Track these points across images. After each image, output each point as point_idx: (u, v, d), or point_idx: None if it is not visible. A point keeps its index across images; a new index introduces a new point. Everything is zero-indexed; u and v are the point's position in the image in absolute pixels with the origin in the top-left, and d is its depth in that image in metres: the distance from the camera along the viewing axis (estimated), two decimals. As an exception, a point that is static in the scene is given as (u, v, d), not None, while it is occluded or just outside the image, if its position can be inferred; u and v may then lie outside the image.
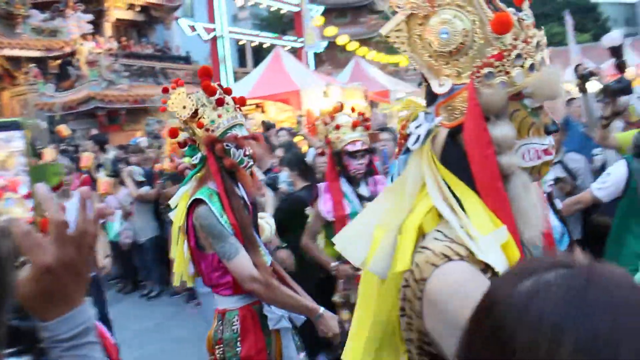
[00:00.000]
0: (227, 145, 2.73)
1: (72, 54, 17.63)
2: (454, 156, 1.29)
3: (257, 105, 14.22)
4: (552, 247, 3.21)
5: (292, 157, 5.11)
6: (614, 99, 4.16)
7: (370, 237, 1.32)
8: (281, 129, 9.20)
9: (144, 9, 23.98)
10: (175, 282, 3.00)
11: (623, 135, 4.30)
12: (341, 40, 23.08)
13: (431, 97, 1.36)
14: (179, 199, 2.91)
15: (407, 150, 1.38)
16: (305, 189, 4.50)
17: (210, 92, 2.75)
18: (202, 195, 2.70)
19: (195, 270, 2.90)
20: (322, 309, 2.77)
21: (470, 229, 1.19)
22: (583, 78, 4.52)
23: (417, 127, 1.34)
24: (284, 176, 5.28)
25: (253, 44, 23.79)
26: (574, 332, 0.63)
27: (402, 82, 23.75)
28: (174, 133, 2.92)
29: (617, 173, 3.89)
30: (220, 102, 2.74)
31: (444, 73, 1.32)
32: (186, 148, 2.95)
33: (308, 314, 2.79)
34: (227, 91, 2.85)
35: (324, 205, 3.82)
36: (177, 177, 7.15)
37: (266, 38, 21.94)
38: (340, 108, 3.97)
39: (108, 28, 21.80)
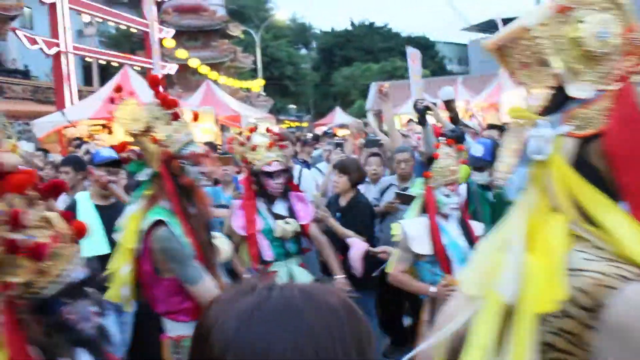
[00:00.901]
0: (182, 163, 2.58)
1: None
2: (586, 168, 1.20)
3: (104, 126, 13.68)
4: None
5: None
6: None
7: (518, 265, 1.17)
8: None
9: (-25, 17, 22.14)
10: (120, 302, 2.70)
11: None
12: (192, 63, 22.93)
13: (557, 104, 1.25)
14: (128, 220, 2.67)
15: (524, 163, 1.27)
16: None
17: (167, 104, 2.57)
18: (163, 216, 2.52)
19: (141, 295, 2.69)
20: None
21: (624, 248, 1.11)
22: (421, 112, 4.92)
23: (537, 136, 1.24)
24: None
25: (100, 62, 22.88)
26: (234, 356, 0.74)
27: (253, 107, 24.03)
28: (122, 147, 2.68)
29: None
30: (176, 116, 2.58)
31: (584, 78, 1.23)
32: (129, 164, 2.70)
33: None
34: (174, 104, 2.66)
35: (236, 221, 3.85)
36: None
37: (114, 57, 21.21)
38: (254, 129, 4.05)
39: None
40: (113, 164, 4.00)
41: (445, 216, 3.40)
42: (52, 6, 16.45)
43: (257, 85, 32.46)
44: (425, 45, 46.53)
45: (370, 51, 47.33)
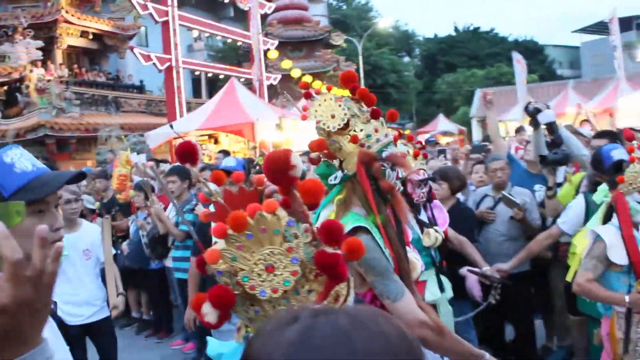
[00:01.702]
0: (382, 165, 2.34)
1: (21, 80, 17.28)
2: None
3: (211, 136, 14.19)
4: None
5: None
6: (553, 170, 4.44)
7: None
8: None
9: (97, 37, 23.76)
10: None
11: (563, 195, 4.61)
12: (294, 73, 23.34)
13: None
14: None
15: None
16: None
17: (368, 101, 2.33)
18: (363, 223, 2.28)
19: None
20: (487, 355, 2.27)
21: None
22: (532, 114, 4.68)
23: None
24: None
25: (208, 75, 23.82)
26: None
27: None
28: (320, 146, 2.39)
29: (576, 207, 4.16)
30: (375, 114, 2.33)
31: None
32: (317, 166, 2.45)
33: None
34: (374, 100, 2.41)
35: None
36: (129, 209, 7.05)
37: (221, 70, 21.99)
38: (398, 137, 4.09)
39: (59, 55, 21.49)
40: None
41: (636, 225, 3.16)
42: (165, 24, 17.29)
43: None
44: (533, 50, 44.91)
45: (475, 57, 46.24)
